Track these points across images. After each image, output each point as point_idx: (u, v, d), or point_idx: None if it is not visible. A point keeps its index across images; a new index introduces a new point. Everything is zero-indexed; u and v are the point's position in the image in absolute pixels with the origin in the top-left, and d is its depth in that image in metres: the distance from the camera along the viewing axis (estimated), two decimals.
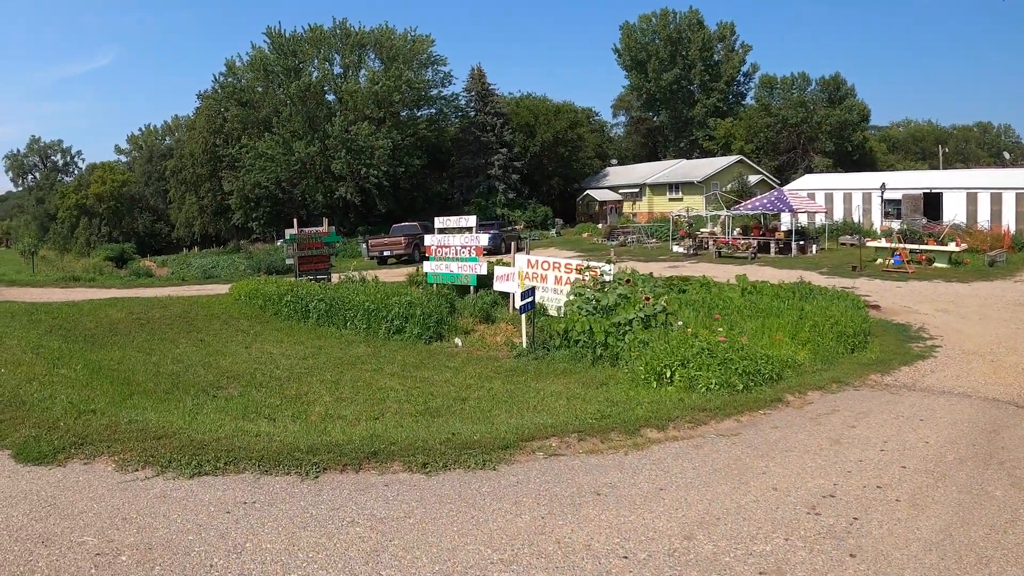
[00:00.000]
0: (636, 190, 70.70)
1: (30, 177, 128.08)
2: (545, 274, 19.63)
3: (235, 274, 36.75)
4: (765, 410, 10.59)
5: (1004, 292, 24.78)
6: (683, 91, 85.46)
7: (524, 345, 16.25)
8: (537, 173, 73.59)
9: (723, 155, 72.66)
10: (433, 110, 72.05)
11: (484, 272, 21.48)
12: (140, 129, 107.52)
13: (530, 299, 16.35)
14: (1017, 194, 39.42)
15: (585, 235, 58.64)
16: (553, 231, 63.83)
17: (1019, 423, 10.23)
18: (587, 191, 74.17)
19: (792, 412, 10.63)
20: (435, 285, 22.11)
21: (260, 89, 66.16)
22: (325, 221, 27.99)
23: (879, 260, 32.92)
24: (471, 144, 68.12)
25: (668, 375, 12.12)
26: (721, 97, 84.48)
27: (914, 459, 8.47)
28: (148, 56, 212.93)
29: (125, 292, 29.92)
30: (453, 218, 23.90)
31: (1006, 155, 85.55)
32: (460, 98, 72.20)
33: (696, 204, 58.58)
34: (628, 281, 17.42)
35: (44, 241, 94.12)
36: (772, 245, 39.01)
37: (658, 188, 69.10)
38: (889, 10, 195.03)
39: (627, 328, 14.81)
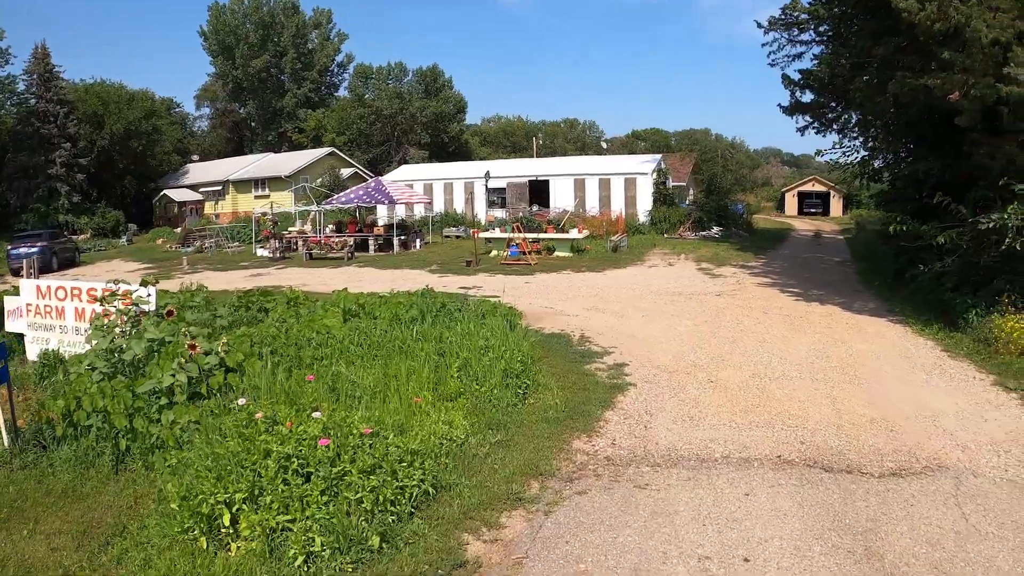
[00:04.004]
0: (219, 188, 62.34)
1: None
2: (62, 306, 13.31)
3: None
4: None
5: (647, 280, 21.50)
6: (273, 80, 77.77)
7: (6, 442, 9.04)
8: (107, 172, 61.88)
9: (314, 148, 66.45)
10: None
11: None
12: None
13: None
14: (625, 179, 37.74)
15: (160, 241, 50.22)
16: (124, 239, 53.85)
17: (883, 522, 5.91)
18: (164, 191, 64.39)
19: None
20: None
21: None
22: None
23: (494, 252, 28.78)
24: (29, 137, 55.33)
25: (227, 523, 5.90)
26: (313, 87, 78.07)
27: None
28: None
29: None
30: None
31: (604, 144, 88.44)
32: (19, 82, 58.66)
33: (284, 201, 51.80)
34: (171, 313, 10.87)
35: None
36: (371, 242, 33.64)
37: (243, 185, 61.40)
38: (483, 9, 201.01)
39: (166, 401, 8.57)
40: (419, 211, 42.04)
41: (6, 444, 9.05)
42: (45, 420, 9.29)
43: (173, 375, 8.63)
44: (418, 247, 33.99)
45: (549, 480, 6.85)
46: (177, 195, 63.61)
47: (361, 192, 35.85)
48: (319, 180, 53.01)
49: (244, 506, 5.87)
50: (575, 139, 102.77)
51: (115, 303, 10.99)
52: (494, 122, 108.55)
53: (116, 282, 12.15)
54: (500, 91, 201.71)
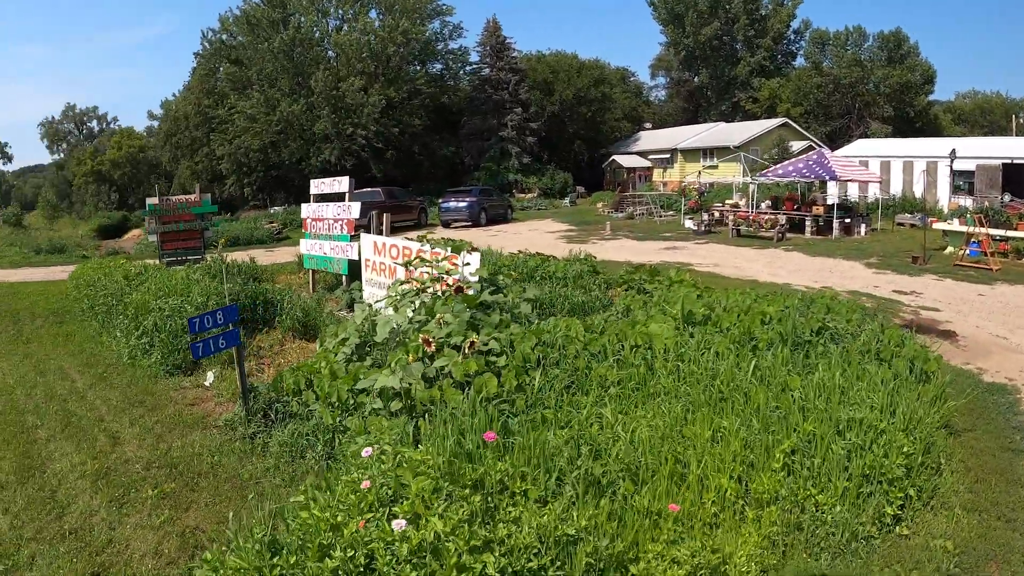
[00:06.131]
0: (667, 156, 61.87)
1: (64, 145, 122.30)
2: (393, 265, 12.67)
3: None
4: None
5: None
6: (725, 48, 75.29)
7: (240, 408, 8.58)
8: (557, 135, 65.36)
9: (767, 118, 63.04)
10: (439, 65, 64.67)
11: (356, 257, 15.37)
12: (173, 94, 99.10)
13: (231, 325, 8.34)
14: None
15: (599, 205, 50.51)
16: (567, 200, 55.74)
17: None
18: (614, 156, 65.47)
19: None
20: (312, 272, 17.66)
21: (250, 44, 58.71)
22: (197, 188, 23.43)
23: (949, 249, 23.63)
24: (483, 103, 60.49)
25: None
26: (768, 55, 73.90)
27: None
28: (199, 21, 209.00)
29: None
30: (327, 180, 18.02)
31: None
32: (472, 53, 64.64)
33: (731, 172, 49.25)
34: (459, 289, 9.03)
35: (61, 209, 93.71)
36: (808, 223, 29.78)
37: (691, 154, 60.11)
38: None
39: (380, 405, 6.89)
40: (873, 191, 37.00)
41: (240, 409, 8.46)
42: (285, 391, 8.41)
43: (392, 379, 6.88)
44: (863, 233, 29.54)
45: None
46: (626, 161, 64.36)
47: (800, 165, 32.06)
48: (768, 153, 49.67)
49: None
50: None
51: (428, 268, 9.69)
52: (969, 98, 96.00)
53: (431, 244, 10.93)
54: (976, 62, 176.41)
